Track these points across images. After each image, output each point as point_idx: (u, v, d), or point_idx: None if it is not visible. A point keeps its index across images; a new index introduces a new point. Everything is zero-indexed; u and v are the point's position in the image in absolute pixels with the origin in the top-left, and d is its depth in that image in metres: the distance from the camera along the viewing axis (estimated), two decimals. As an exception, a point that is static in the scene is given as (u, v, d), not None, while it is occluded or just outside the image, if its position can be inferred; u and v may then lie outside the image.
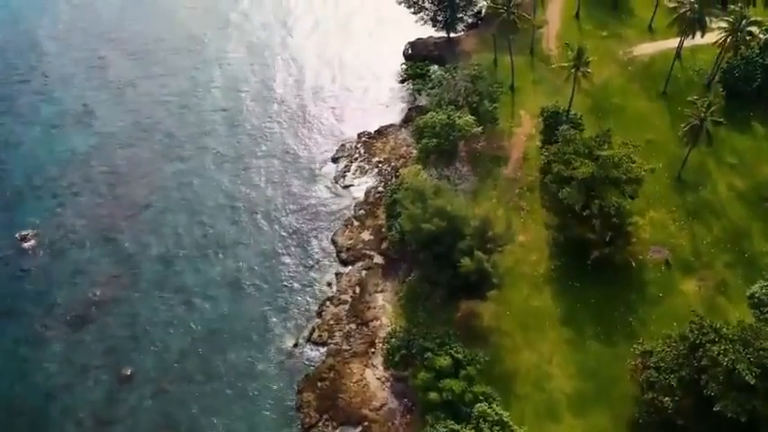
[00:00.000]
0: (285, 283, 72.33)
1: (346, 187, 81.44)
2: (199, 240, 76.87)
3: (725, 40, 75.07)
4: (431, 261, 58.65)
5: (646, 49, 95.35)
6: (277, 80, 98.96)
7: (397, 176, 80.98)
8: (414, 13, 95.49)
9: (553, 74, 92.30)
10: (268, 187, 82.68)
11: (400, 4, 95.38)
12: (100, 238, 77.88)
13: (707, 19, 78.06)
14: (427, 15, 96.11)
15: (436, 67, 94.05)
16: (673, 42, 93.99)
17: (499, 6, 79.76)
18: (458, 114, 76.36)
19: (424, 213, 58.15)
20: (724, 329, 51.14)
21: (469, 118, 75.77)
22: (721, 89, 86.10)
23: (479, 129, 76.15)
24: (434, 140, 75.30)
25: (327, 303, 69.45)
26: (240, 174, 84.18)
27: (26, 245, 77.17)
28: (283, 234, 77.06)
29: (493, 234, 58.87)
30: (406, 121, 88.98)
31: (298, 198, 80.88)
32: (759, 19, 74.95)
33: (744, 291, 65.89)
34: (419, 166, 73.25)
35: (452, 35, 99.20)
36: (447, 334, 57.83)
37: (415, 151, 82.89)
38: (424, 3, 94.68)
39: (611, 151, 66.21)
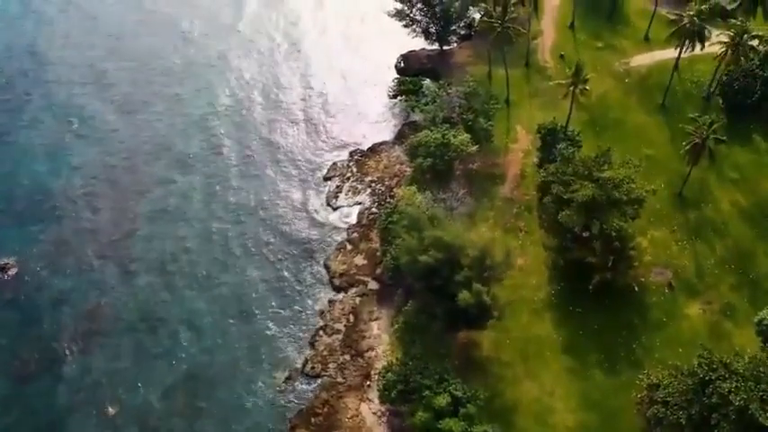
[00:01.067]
0: (276, 312, 69.63)
1: (339, 208, 78.84)
2: (185, 268, 74.05)
3: (725, 53, 73.06)
4: (427, 293, 56.30)
5: (642, 60, 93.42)
6: (264, 98, 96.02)
7: (391, 196, 78.67)
8: (405, 26, 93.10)
9: (549, 87, 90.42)
10: (257, 210, 79.93)
11: (392, 17, 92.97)
12: (83, 266, 74.84)
13: (707, 31, 76.06)
14: (419, 28, 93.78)
15: (429, 81, 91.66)
16: (669, 53, 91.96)
17: (494, 21, 77.46)
18: (453, 133, 74.10)
19: (420, 243, 55.82)
20: (735, 364, 48.99)
21: (465, 137, 73.51)
22: (720, 101, 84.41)
23: (475, 148, 73.88)
24: (429, 160, 72.98)
25: (320, 333, 66.92)
26: (228, 197, 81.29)
27: (7, 274, 74.25)
28: (273, 260, 74.38)
29: (491, 263, 56.53)
30: (399, 137, 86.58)
31: (288, 221, 78.18)
32: (761, 33, 73.06)
33: (749, 314, 64.16)
34: (413, 188, 70.84)
35: (445, 47, 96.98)
36: (445, 369, 55.47)
37: (408, 169, 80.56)
38: (415, 15, 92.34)
39: (611, 172, 64.06)
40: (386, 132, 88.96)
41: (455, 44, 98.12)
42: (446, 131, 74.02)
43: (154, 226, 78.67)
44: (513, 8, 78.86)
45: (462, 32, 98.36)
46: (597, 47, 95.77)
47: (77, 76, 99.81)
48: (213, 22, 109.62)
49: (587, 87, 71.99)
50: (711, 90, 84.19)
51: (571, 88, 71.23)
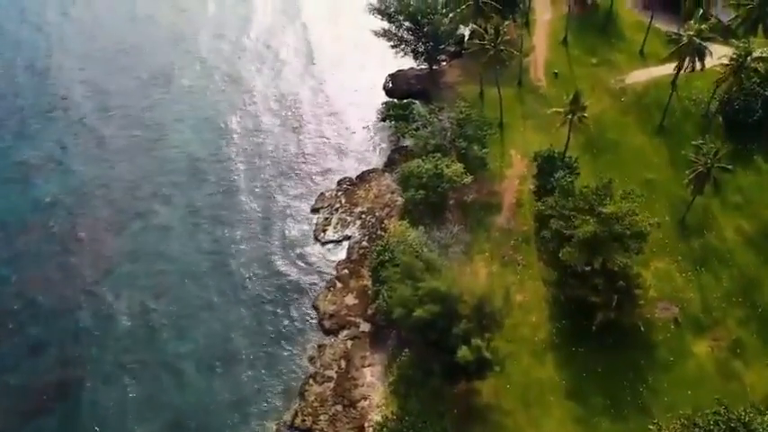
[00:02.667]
0: (262, 358, 65.66)
1: (327, 243, 75.06)
2: (165, 312, 69.83)
3: (728, 75, 70.14)
4: (423, 345, 52.88)
5: (639, 76, 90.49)
6: (246, 124, 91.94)
7: (382, 229, 75.09)
8: (393, 46, 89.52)
9: (544, 106, 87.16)
10: (241, 245, 75.88)
11: (379, 37, 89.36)
12: (58, 311, 70.42)
13: (707, 51, 73.10)
14: (408, 47, 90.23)
15: (418, 103, 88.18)
16: (666, 68, 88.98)
17: (485, 43, 74.04)
18: (445, 163, 70.62)
19: (414, 293, 52.34)
20: (755, 423, 45.96)
21: (458, 167, 70.07)
22: (720, 120, 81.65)
23: (469, 179, 70.48)
24: (421, 193, 69.47)
25: (310, 381, 63.12)
26: (210, 232, 77.19)
27: (-24, 321, 70.07)
28: (259, 300, 70.36)
29: (491, 310, 53.14)
30: (390, 164, 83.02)
31: (274, 258, 74.12)
32: (765, 55, 70.13)
33: (759, 351, 61.53)
34: (405, 223, 67.38)
35: (435, 66, 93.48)
36: (444, 429, 51.98)
37: (399, 199, 76.96)
38: (403, 35, 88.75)
39: (614, 207, 60.82)
40: (375, 159, 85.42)
41: (445, 62, 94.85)
42: (438, 161, 70.56)
43: (132, 264, 74.46)
44: (505, 28, 75.46)
45: (452, 49, 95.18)
46: (592, 63, 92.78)
47: (45, 104, 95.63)
48: (187, 42, 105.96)
49: (585, 115, 68.71)
50: (712, 110, 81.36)
51: (569, 117, 67.81)
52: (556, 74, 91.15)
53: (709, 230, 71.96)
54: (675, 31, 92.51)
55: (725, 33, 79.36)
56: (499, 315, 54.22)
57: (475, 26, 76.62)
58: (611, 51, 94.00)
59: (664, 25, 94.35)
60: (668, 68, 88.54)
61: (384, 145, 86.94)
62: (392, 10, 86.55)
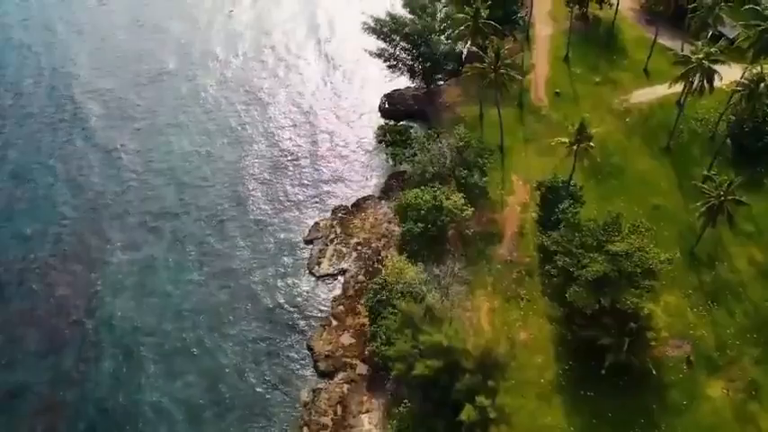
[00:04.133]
0: (254, 405, 62.17)
1: (322, 277, 71.63)
2: (151, 352, 66.48)
3: (740, 101, 67.17)
4: (424, 403, 49.68)
5: (643, 95, 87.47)
6: (236, 149, 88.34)
7: (378, 260, 71.92)
8: (389, 66, 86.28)
9: (546, 128, 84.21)
10: (231, 281, 72.30)
11: (374, 57, 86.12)
12: (41, 351, 67.04)
13: (716, 73, 70.15)
14: (404, 66, 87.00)
15: (416, 126, 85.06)
16: (672, 87, 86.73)
17: (485, 67, 70.89)
18: (445, 194, 67.43)
19: (415, 346, 49.10)
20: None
21: (458, 199, 66.88)
22: (728, 142, 78.71)
23: (470, 211, 67.29)
24: (420, 226, 66.24)
25: (305, 430, 59.85)
26: (199, 265, 73.73)
27: (-49, 363, 66.56)
28: (251, 340, 66.98)
29: (495, 361, 49.94)
30: (386, 191, 79.76)
31: (267, 293, 70.68)
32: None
33: (777, 394, 58.75)
34: (403, 259, 64.06)
35: (432, 85, 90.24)
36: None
37: (397, 228, 73.72)
38: (399, 54, 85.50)
39: (623, 245, 57.70)
40: (371, 184, 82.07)
41: (442, 81, 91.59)
42: (437, 192, 67.36)
43: (118, 299, 70.99)
44: (505, 51, 72.31)
45: (450, 66, 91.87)
46: (594, 81, 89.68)
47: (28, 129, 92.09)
48: (173, 63, 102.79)
49: (592, 144, 65.57)
50: (720, 132, 78.46)
51: (574, 147, 64.67)
52: (558, 93, 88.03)
53: (720, 261, 69.05)
54: (680, 48, 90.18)
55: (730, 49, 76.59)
56: (504, 364, 50.95)
57: (474, 48, 73.27)
58: (615, 69, 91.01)
59: (668, 41, 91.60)
60: (674, 87, 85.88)
61: (380, 170, 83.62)
62: (387, 29, 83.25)
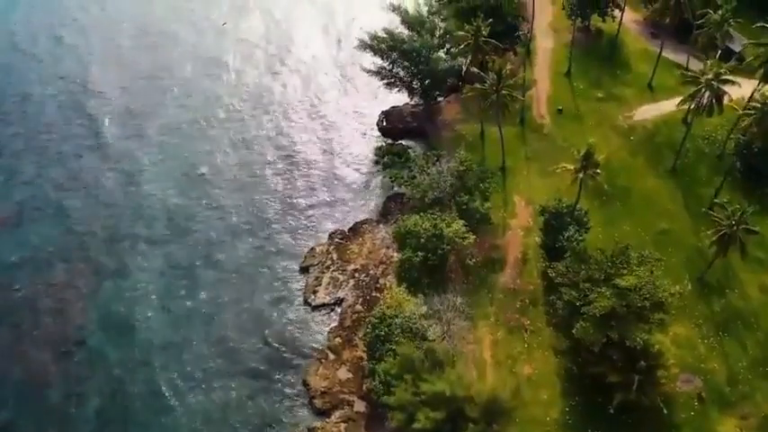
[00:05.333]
0: (248, 448, 60.03)
1: (318, 307, 68.95)
2: (139, 388, 63.74)
3: (750, 124, 64.78)
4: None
5: (648, 112, 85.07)
6: (228, 167, 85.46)
7: (377, 288, 69.39)
8: (387, 84, 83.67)
9: (548, 147, 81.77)
10: (223, 312, 69.47)
11: (371, 75, 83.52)
12: (25, 389, 64.18)
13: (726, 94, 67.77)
14: (402, 84, 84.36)
15: (415, 144, 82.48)
16: (676, 103, 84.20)
17: (486, 88, 68.37)
18: (445, 221, 64.89)
19: (416, 394, 46.61)
20: None
21: (459, 226, 64.31)
22: (736, 162, 76.30)
23: (472, 239, 64.77)
24: (420, 255, 63.71)
25: (301, 474, 57.51)
26: (189, 296, 70.82)
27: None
28: (244, 375, 64.17)
29: (500, 408, 47.50)
30: (384, 214, 77.15)
31: (260, 325, 67.88)
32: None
33: (793, 432, 56.41)
34: (402, 291, 61.54)
35: (432, 102, 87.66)
36: None
37: (395, 255, 71.14)
38: (397, 71, 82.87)
39: (632, 278, 55.23)
40: (369, 207, 79.39)
41: (442, 98, 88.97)
42: (437, 219, 64.82)
43: (105, 333, 68.16)
44: (508, 70, 69.76)
45: (449, 81, 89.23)
46: (597, 97, 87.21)
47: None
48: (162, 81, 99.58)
49: (598, 171, 63.08)
50: (728, 152, 76.14)
51: (580, 175, 62.18)
52: (560, 110, 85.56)
53: (730, 289, 66.70)
54: (685, 61, 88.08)
55: (730, 58, 74.33)
56: (509, 410, 48.51)
57: (475, 69, 70.77)
58: (618, 84, 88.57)
59: (672, 54, 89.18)
60: (681, 106, 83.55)
61: (378, 191, 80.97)
62: (385, 46, 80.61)
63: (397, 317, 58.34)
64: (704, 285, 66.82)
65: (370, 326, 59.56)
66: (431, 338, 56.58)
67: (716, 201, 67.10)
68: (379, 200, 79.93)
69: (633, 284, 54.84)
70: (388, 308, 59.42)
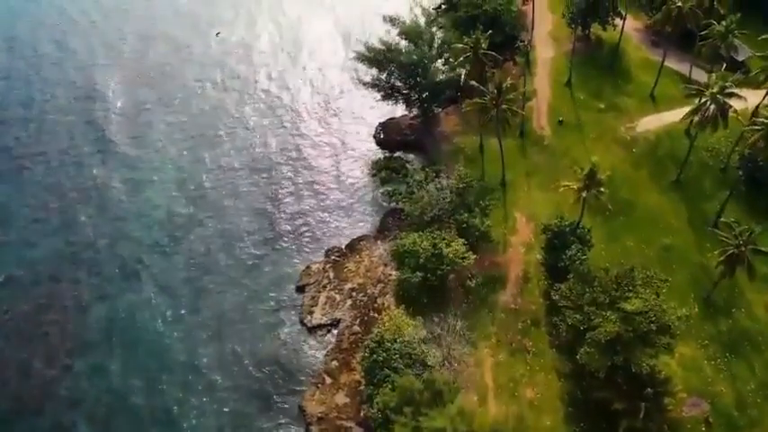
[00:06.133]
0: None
1: (314, 328, 67.17)
2: (131, 414, 61.71)
3: (758, 140, 63.15)
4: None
5: (650, 123, 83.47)
6: (222, 182, 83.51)
7: (374, 309, 67.55)
8: (384, 96, 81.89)
9: (548, 160, 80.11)
10: (216, 333, 67.43)
11: (367, 88, 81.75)
12: (9, 417, 61.96)
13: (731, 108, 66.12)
14: (400, 94, 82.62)
15: (413, 157, 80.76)
16: (679, 114, 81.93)
17: (486, 102, 66.65)
18: (445, 240, 63.18)
19: (417, 426, 44.93)
20: None
21: (459, 246, 62.68)
22: (741, 175, 74.70)
23: (472, 259, 63.07)
24: (418, 275, 62.03)
25: (297, 505, 55.76)
26: (181, 316, 68.95)
27: None
28: (238, 402, 62.13)
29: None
30: (382, 230, 75.29)
31: (255, 348, 65.96)
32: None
33: (803, 459, 54.89)
34: (400, 313, 59.82)
35: (430, 113, 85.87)
36: None
37: (394, 273, 69.29)
38: (395, 83, 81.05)
39: (638, 302, 53.58)
40: (366, 223, 77.48)
41: (440, 109, 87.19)
42: (437, 238, 63.15)
43: (96, 356, 66.13)
44: (508, 85, 68.04)
45: (448, 93, 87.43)
46: (598, 108, 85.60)
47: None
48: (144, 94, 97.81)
49: (603, 189, 61.39)
50: (732, 164, 74.55)
51: (583, 194, 60.51)
52: (560, 121, 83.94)
53: (737, 308, 65.05)
54: (687, 71, 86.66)
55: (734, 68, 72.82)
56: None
57: (474, 83, 69.03)
58: (619, 94, 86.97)
59: (675, 63, 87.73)
60: (681, 113, 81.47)
61: (376, 206, 79.12)
62: (382, 58, 78.84)
63: (395, 341, 56.68)
64: (710, 304, 65.22)
65: (368, 350, 57.80)
66: (430, 364, 54.91)
67: (722, 219, 65.31)
68: (376, 215, 78.08)
69: (639, 308, 53.20)
70: (386, 331, 57.67)
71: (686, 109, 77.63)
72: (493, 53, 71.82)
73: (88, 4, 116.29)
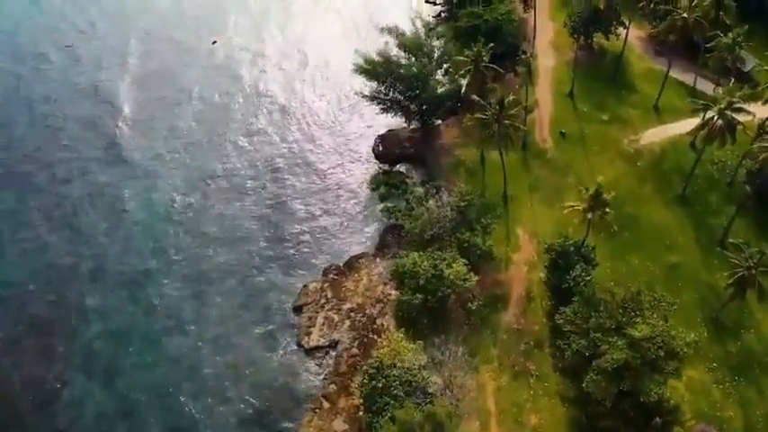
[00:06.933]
0: None
1: (312, 350, 65.33)
2: (125, 439, 60.38)
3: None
4: None
5: (654, 135, 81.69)
6: (217, 197, 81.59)
7: (373, 330, 65.86)
8: (383, 109, 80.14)
9: (551, 174, 78.39)
10: (211, 356, 65.63)
11: (367, 101, 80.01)
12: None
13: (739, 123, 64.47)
14: (399, 107, 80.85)
15: (412, 170, 79.08)
16: (684, 125, 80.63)
17: (487, 119, 64.92)
18: (446, 261, 61.45)
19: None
20: None
21: (461, 267, 60.89)
22: (748, 190, 73.01)
23: (474, 281, 61.32)
24: (419, 296, 60.32)
25: None
26: (175, 339, 67.04)
27: None
28: (233, 428, 60.21)
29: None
30: (381, 247, 73.52)
31: (251, 372, 64.13)
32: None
33: (815, 488, 53.25)
34: (400, 337, 58.08)
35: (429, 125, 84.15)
36: None
37: (393, 292, 67.59)
38: (395, 96, 79.30)
39: (646, 328, 51.87)
40: (364, 239, 75.69)
41: (440, 120, 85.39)
42: (437, 259, 61.41)
43: (86, 381, 64.22)
44: (510, 100, 66.29)
45: (447, 104, 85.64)
46: (602, 120, 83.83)
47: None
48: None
49: (608, 210, 59.67)
50: (739, 179, 72.90)
51: (588, 215, 58.79)
52: (563, 134, 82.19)
53: (746, 329, 63.39)
54: (692, 81, 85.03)
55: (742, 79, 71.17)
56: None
57: (475, 97, 67.32)
58: (623, 105, 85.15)
59: (678, 74, 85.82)
60: (687, 125, 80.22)
61: (374, 222, 77.19)
62: (381, 70, 77.05)
63: (395, 366, 54.96)
64: (718, 324, 63.52)
65: (367, 376, 56.00)
66: (431, 392, 53.23)
67: (731, 240, 63.55)
68: (375, 231, 76.26)
69: (647, 335, 51.51)
70: (385, 356, 55.92)
71: (691, 120, 76.82)
72: (494, 66, 70.10)
73: (93, 12, 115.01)
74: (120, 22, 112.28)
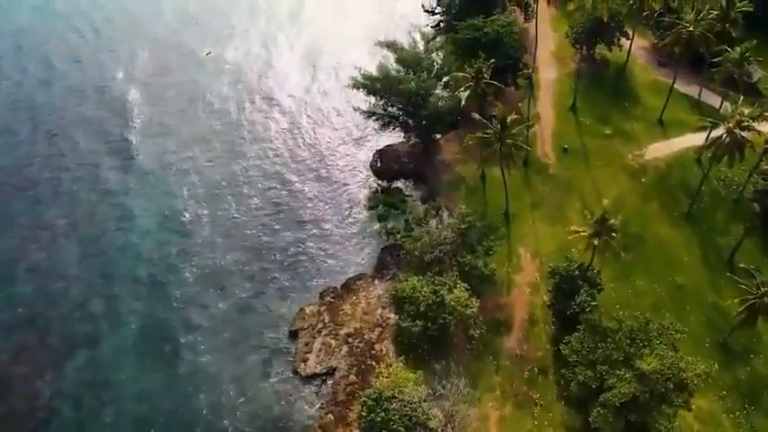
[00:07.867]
0: None
1: (309, 378, 63.29)
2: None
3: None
4: None
5: (659, 150, 79.70)
6: (211, 214, 79.73)
7: (372, 356, 63.84)
8: (382, 125, 78.14)
9: (553, 191, 76.46)
10: (204, 384, 63.30)
11: (365, 117, 78.03)
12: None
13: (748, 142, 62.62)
14: (397, 122, 78.86)
15: (412, 187, 77.04)
16: (689, 140, 79.07)
17: (490, 137, 62.93)
18: (447, 286, 59.44)
19: None
20: None
21: (462, 293, 58.81)
22: (756, 207, 71.12)
23: (475, 307, 59.33)
24: (419, 324, 58.31)
25: None
26: (167, 366, 64.81)
27: None
28: (227, 462, 58.96)
29: None
30: (379, 268, 71.42)
31: (245, 401, 61.78)
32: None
33: None
34: (400, 367, 56.02)
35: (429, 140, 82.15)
36: None
37: (392, 316, 65.56)
38: (393, 111, 77.30)
39: (655, 361, 49.92)
40: (362, 260, 73.50)
41: (440, 135, 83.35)
42: (438, 284, 59.38)
43: (75, 410, 61.76)
44: (512, 120, 64.28)
45: (448, 118, 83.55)
46: (605, 134, 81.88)
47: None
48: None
49: (615, 234, 57.73)
50: (746, 195, 71.04)
51: (594, 241, 56.82)
52: (565, 149, 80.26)
53: (756, 354, 61.49)
54: (697, 93, 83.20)
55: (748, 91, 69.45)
56: None
57: (476, 115, 65.39)
58: (627, 119, 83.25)
59: (683, 86, 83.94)
60: (691, 140, 78.56)
61: (372, 242, 75.05)
62: (379, 86, 74.99)
63: (395, 397, 52.92)
64: (727, 350, 61.66)
65: (365, 408, 53.85)
66: (432, 427, 51.25)
67: (741, 265, 61.68)
68: (373, 251, 74.09)
69: (656, 368, 49.58)
70: (385, 387, 53.86)
71: (696, 135, 75.24)
72: (495, 83, 68.10)
73: (97, 18, 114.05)
74: (125, 29, 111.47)
